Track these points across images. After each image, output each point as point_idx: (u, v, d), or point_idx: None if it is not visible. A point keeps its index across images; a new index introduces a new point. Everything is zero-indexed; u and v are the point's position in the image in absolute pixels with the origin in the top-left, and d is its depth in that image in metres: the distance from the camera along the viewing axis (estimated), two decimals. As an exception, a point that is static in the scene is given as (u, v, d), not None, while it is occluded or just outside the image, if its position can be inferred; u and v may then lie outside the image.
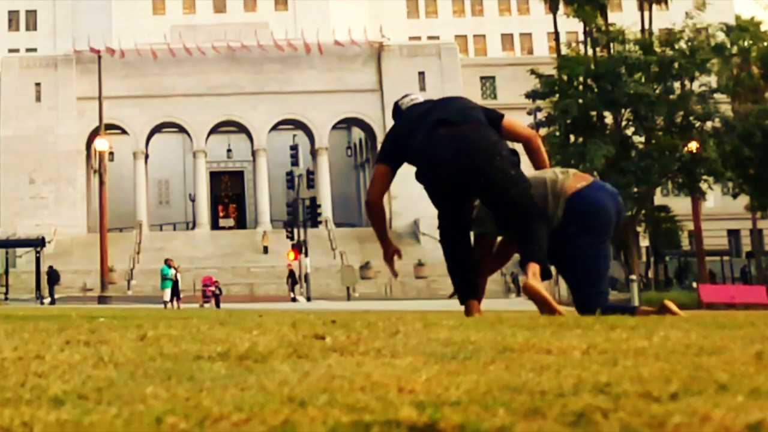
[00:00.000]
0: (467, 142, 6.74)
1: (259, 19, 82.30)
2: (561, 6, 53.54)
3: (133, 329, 4.60)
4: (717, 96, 49.43)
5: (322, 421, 1.80)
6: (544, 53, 79.62)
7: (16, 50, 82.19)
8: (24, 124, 71.07)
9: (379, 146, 7.46)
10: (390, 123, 7.55)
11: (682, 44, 48.07)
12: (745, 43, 55.92)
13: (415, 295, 54.91)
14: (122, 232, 69.67)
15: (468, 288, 6.95)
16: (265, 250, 66.13)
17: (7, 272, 57.67)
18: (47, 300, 49.80)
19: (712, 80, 50.24)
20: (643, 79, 47.06)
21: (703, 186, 49.46)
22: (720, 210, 68.00)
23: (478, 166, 6.66)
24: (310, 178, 62.75)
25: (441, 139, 6.75)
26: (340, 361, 2.91)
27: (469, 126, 6.84)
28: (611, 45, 50.03)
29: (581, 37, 55.33)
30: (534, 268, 6.55)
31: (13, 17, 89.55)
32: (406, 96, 7.50)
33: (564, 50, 52.41)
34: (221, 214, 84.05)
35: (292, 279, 53.75)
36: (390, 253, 7.16)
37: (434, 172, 6.74)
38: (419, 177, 6.89)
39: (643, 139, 48.26)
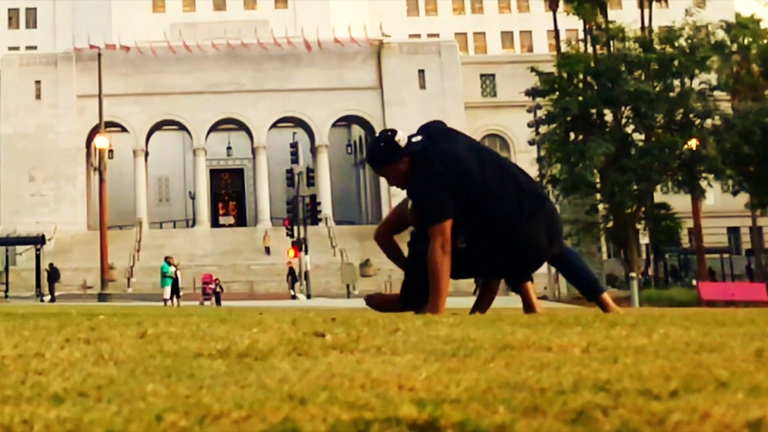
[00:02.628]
0: (557, 226, 6.88)
1: (259, 16, 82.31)
2: (561, 4, 53.45)
3: (133, 327, 4.60)
4: (717, 93, 49.38)
5: (322, 418, 1.80)
6: (544, 51, 79.54)
7: (16, 48, 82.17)
8: (24, 121, 71.09)
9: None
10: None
11: (682, 42, 48.02)
12: (745, 41, 55.89)
13: (415, 292, 54.81)
14: (122, 230, 69.70)
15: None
16: (267, 250, 66.11)
17: (7, 270, 57.68)
18: (47, 297, 49.80)
19: (712, 78, 50.17)
20: (643, 77, 47.01)
21: (703, 183, 49.42)
22: (720, 207, 67.96)
23: (556, 246, 6.88)
24: (310, 175, 62.63)
25: (537, 221, 6.58)
26: (340, 359, 2.91)
27: (552, 204, 7.01)
28: (611, 43, 49.93)
29: (581, 35, 55.19)
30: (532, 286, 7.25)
31: (13, 15, 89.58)
32: (396, 133, 6.71)
33: (564, 48, 52.29)
34: (221, 212, 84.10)
35: (292, 276, 53.75)
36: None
37: (521, 250, 6.58)
38: (485, 231, 6.51)
39: (643, 137, 48.19)
